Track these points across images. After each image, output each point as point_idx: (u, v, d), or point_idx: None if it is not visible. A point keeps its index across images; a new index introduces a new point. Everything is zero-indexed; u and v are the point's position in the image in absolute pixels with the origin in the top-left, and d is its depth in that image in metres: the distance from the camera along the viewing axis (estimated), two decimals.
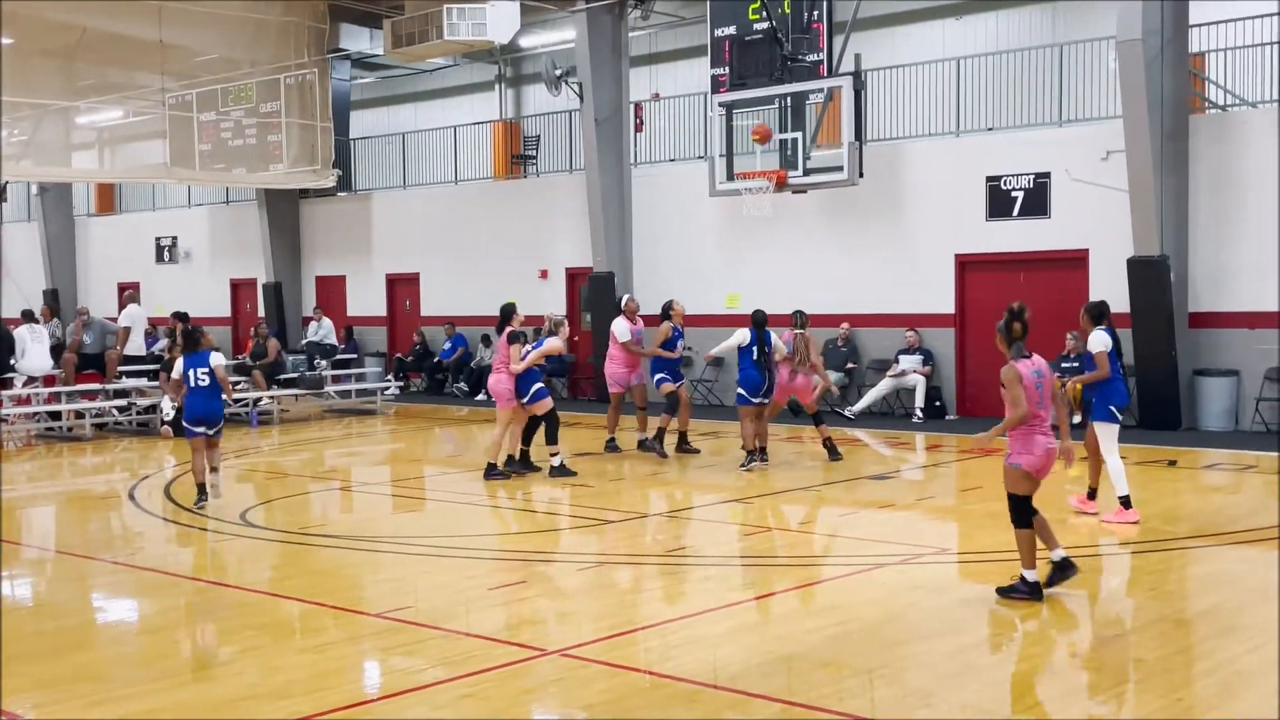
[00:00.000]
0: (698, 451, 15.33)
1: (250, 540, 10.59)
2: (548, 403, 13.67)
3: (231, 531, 10.93)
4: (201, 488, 11.75)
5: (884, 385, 18.82)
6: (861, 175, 17.02)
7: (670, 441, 15.30)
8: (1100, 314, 10.78)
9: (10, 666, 6.92)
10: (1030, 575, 7.91)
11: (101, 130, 26.37)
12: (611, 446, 15.52)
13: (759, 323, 13.94)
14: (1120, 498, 10.57)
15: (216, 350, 12.17)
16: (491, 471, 13.49)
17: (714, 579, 8.87)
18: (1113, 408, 10.61)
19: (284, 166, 24.35)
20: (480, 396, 23.03)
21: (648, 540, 10.61)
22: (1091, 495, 10.94)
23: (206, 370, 11.67)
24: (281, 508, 12.43)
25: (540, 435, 13.78)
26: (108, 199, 33.02)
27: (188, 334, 12.00)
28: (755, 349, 13.85)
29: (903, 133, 19.65)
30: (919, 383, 18.51)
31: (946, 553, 9.87)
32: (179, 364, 11.83)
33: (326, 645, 7.38)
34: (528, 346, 13.67)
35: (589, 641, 7.15)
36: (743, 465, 13.87)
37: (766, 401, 14.04)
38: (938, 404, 18.64)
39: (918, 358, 18.70)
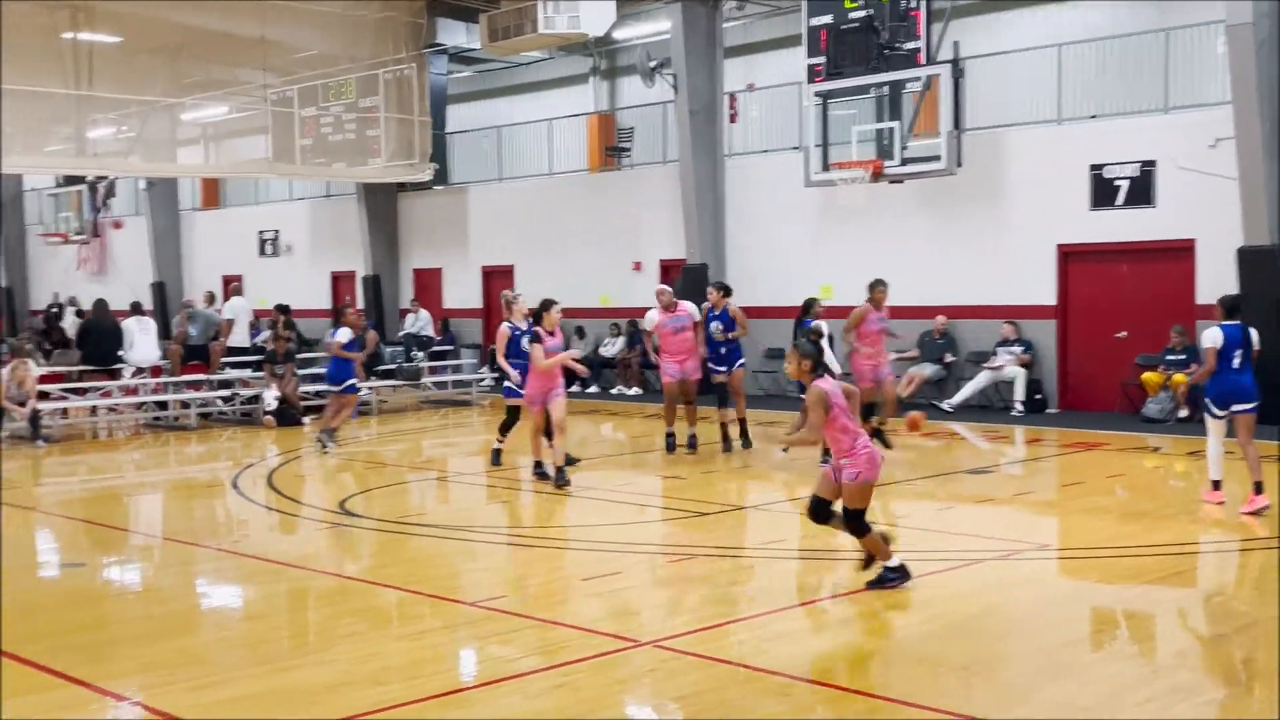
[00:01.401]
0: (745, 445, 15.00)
1: (349, 529, 10.78)
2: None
3: (331, 520, 11.14)
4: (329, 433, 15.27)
5: (982, 378, 18.56)
6: (960, 164, 16.79)
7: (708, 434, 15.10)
8: (1229, 308, 10.79)
9: (117, 649, 7.15)
10: (892, 563, 8.08)
11: (206, 126, 26.99)
12: (670, 443, 15.05)
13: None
14: (1213, 480, 10.97)
15: (345, 328, 16.18)
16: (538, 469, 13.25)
17: (807, 572, 8.83)
18: (1208, 400, 10.77)
19: (382, 161, 24.67)
20: (574, 388, 23.17)
21: (741, 533, 10.59)
22: (1258, 490, 10.67)
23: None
24: (379, 497, 12.63)
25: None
26: (212, 193, 33.78)
27: (336, 311, 14.70)
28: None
29: (1003, 121, 19.32)
30: (1018, 375, 18.22)
31: (1046, 548, 9.71)
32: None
33: (423, 633, 7.49)
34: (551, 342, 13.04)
35: (682, 633, 7.16)
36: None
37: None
38: (1038, 397, 18.33)
39: (1016, 350, 18.40)
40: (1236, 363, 10.57)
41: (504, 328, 13.64)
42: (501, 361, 13.65)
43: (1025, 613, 7.62)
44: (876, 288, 14.31)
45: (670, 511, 11.72)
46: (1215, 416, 10.76)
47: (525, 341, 12.96)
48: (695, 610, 7.89)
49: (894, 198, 19.24)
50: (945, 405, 18.42)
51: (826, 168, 17.75)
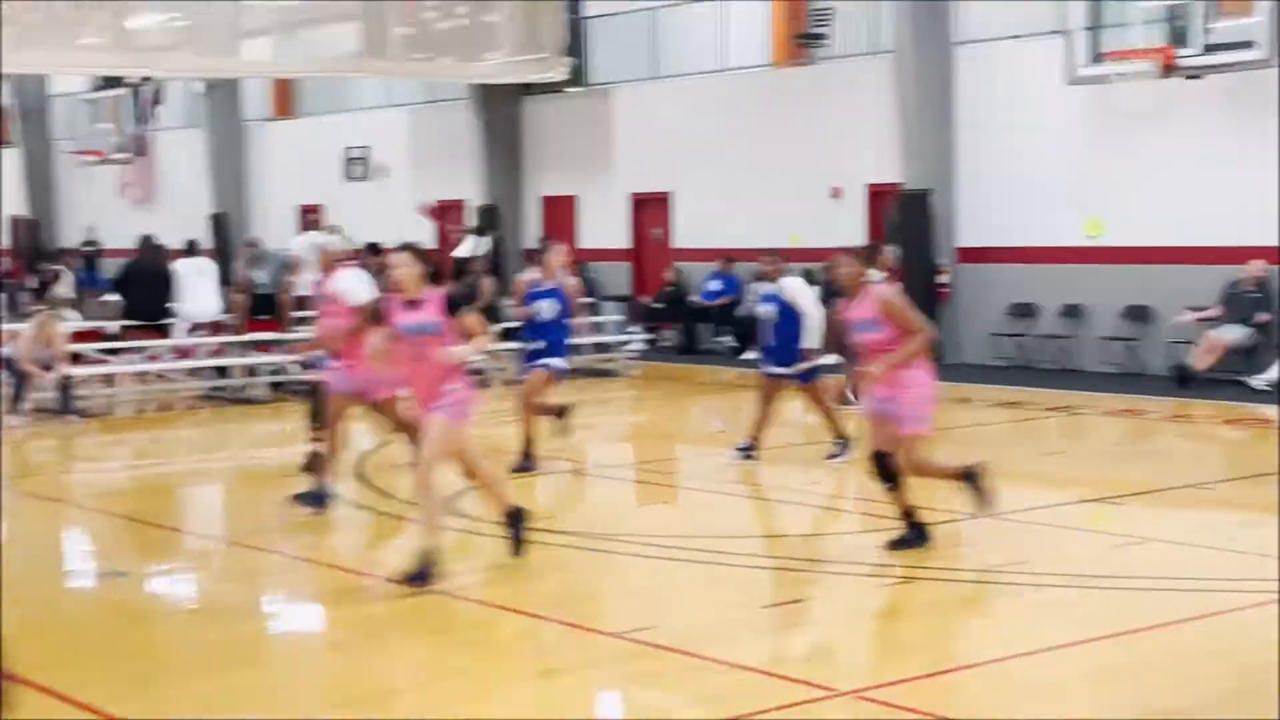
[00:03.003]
0: None
1: (460, 533, 10.95)
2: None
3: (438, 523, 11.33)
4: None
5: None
6: None
7: None
8: None
9: (166, 680, 7.41)
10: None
11: (277, 12, 27.53)
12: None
13: None
14: None
15: None
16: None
17: (1066, 604, 8.71)
18: None
19: (503, 55, 24.87)
20: (750, 354, 23.19)
21: (973, 550, 10.49)
22: None
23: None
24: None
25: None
26: (285, 99, 34.43)
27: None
28: None
29: None
30: None
31: None
32: None
33: (552, 672, 7.58)
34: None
35: (892, 682, 7.14)
36: None
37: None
38: None
39: None
40: None
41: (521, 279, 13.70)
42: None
43: None
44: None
45: (874, 519, 11.63)
46: None
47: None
48: (912, 652, 7.86)
49: (1192, 98, 18.80)
50: (1258, 382, 17.95)
51: (1098, 59, 17.42)
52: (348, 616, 8.83)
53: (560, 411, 13.54)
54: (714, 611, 8.58)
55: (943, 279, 21.80)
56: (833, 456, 13.43)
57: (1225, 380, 18.36)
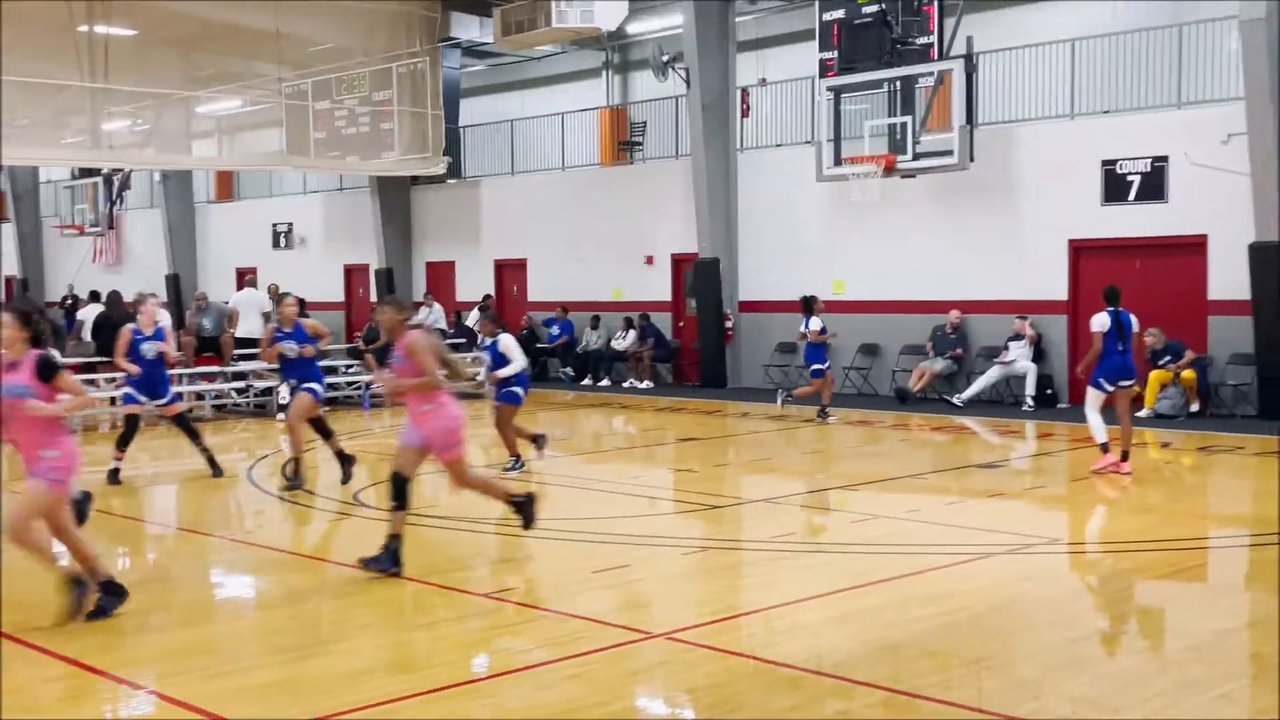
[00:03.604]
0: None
1: (362, 520, 10.81)
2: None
3: (345, 511, 11.17)
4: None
5: (993, 373, 18.53)
6: (972, 159, 16.78)
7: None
8: (1110, 297, 12.31)
9: (130, 638, 7.17)
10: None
11: (220, 119, 27.01)
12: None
13: None
14: (1100, 445, 12.25)
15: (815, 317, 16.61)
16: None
17: (819, 566, 8.84)
18: (1101, 379, 12.21)
19: (396, 154, 24.69)
20: (585, 381, 23.21)
21: (753, 525, 10.60)
22: (1124, 458, 12.18)
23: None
24: None
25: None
26: (226, 186, 33.80)
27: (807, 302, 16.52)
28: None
29: (1015, 116, 19.27)
30: (1029, 370, 18.19)
31: (1057, 543, 9.70)
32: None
33: (435, 624, 7.52)
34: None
35: (694, 625, 7.17)
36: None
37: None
38: (1049, 392, 18.30)
39: (1027, 345, 18.35)
40: (1121, 345, 12.12)
41: (126, 328, 12.80)
42: (120, 361, 12.63)
43: (1036, 607, 7.61)
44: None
45: (682, 504, 11.73)
46: (1105, 391, 12.22)
47: (146, 346, 12.52)
48: (707, 603, 7.91)
49: (906, 193, 19.21)
50: (956, 400, 18.40)
51: (839, 162, 17.75)
52: (275, 585, 8.66)
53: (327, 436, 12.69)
54: (558, 576, 8.58)
55: (729, 324, 22.06)
56: (509, 469, 12.94)
57: (933, 399, 18.83)
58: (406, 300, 10.46)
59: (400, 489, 8.52)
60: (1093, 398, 12.35)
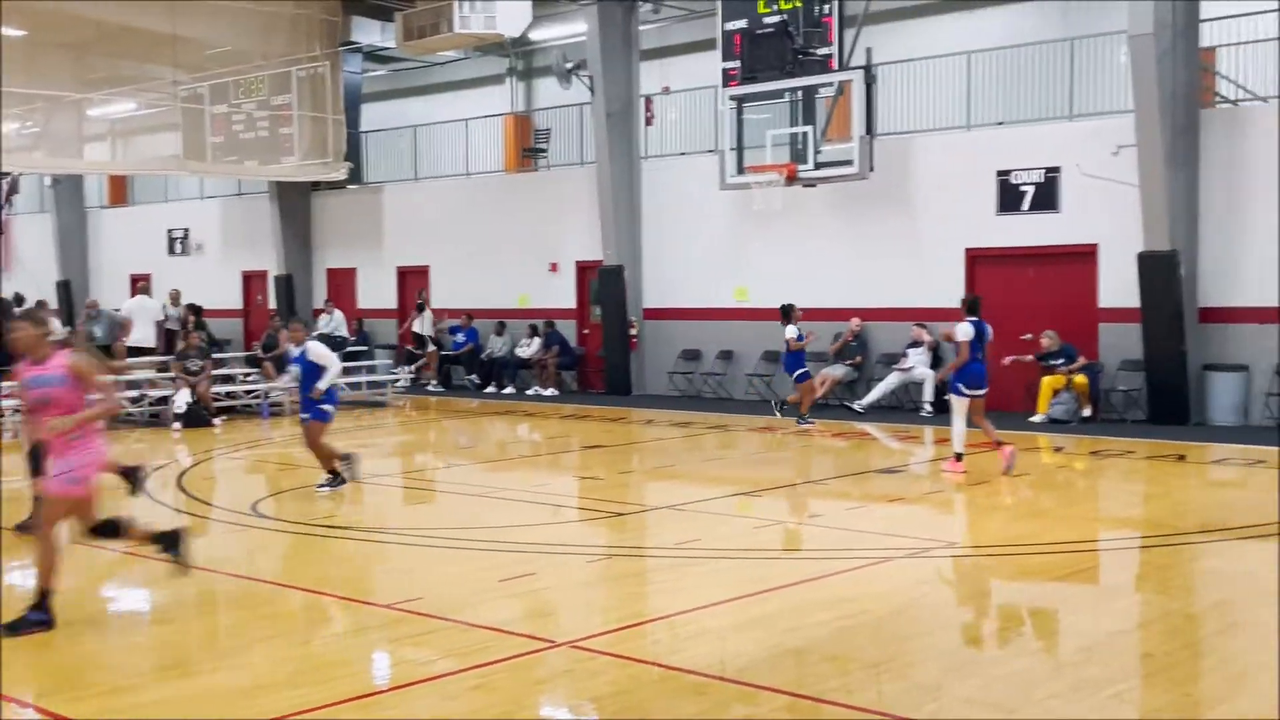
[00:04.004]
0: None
1: (261, 531, 10.62)
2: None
3: (242, 522, 10.97)
4: None
5: (892, 379, 18.79)
6: (872, 169, 17.01)
7: None
8: (970, 307, 12.92)
9: (20, 654, 6.95)
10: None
11: (114, 122, 26.37)
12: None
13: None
14: (956, 453, 12.90)
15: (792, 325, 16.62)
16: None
17: (723, 572, 8.88)
18: (961, 385, 12.75)
19: (295, 159, 24.35)
20: (490, 388, 23.07)
21: (657, 532, 10.62)
22: (999, 444, 12.77)
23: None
24: (292, 499, 12.45)
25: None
26: (120, 191, 33.05)
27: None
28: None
29: (913, 126, 19.60)
30: (927, 376, 18.48)
31: (954, 546, 9.86)
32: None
33: (336, 636, 7.41)
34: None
35: (598, 633, 7.16)
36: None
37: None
38: (947, 398, 18.53)
39: (926, 353, 18.64)
40: (981, 354, 12.70)
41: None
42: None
43: (934, 610, 7.73)
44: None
45: (587, 512, 11.71)
46: (967, 397, 12.74)
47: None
48: (612, 610, 7.90)
49: (808, 201, 19.43)
50: (856, 406, 18.62)
51: (741, 171, 17.88)
52: (171, 599, 8.46)
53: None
54: (463, 585, 8.50)
55: (633, 331, 22.09)
56: (322, 486, 12.25)
57: (835, 404, 19.03)
58: (44, 313, 8.45)
59: (111, 529, 7.71)
60: (958, 405, 12.87)
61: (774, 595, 7.97)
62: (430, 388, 23.60)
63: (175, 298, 23.95)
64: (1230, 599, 7.95)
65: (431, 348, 24.02)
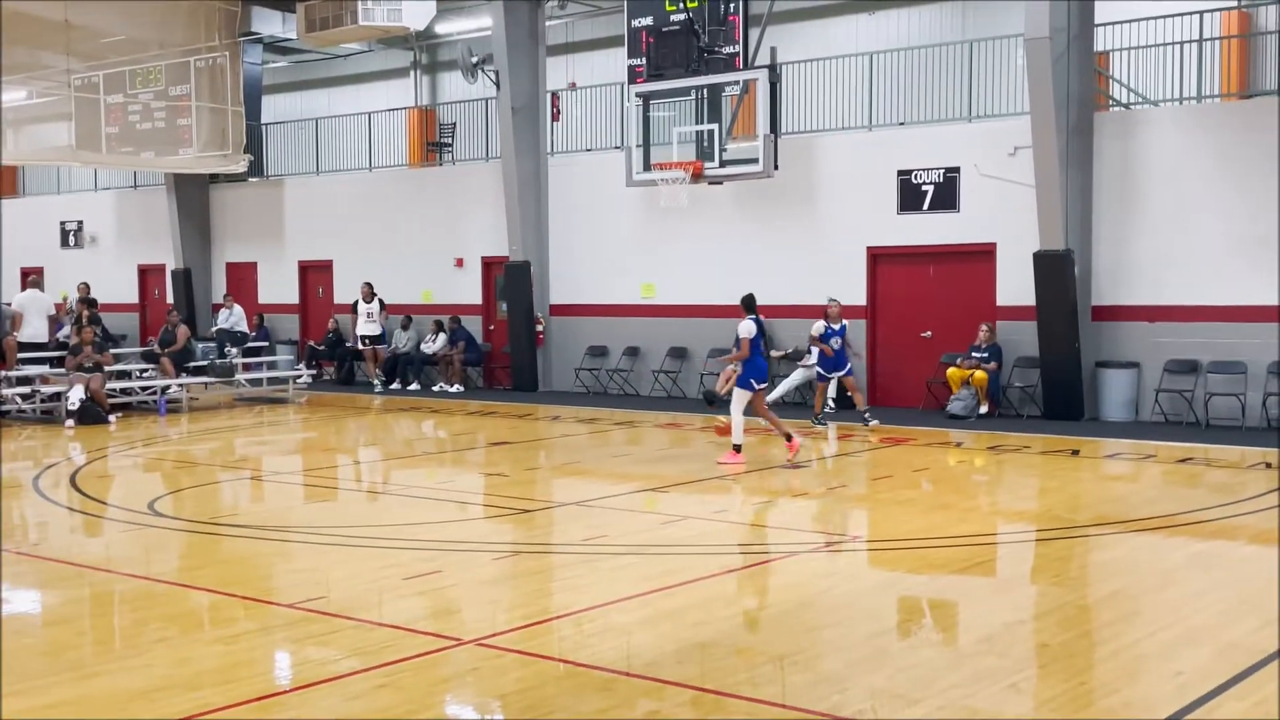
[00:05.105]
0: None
1: (158, 530, 10.39)
2: None
3: (139, 521, 10.71)
4: None
5: (796, 376, 18.92)
6: (776, 167, 17.10)
7: None
8: (748, 305, 13.65)
9: None
10: None
11: (4, 111, 25.60)
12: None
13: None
14: (735, 445, 13.46)
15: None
16: None
17: (629, 567, 8.89)
18: (752, 379, 13.30)
19: (194, 151, 23.89)
20: (395, 385, 22.84)
21: (564, 528, 10.59)
22: (789, 438, 13.48)
23: None
24: (190, 497, 12.21)
25: None
26: (11, 181, 32.14)
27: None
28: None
29: (817, 126, 19.81)
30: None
31: (858, 540, 9.99)
32: None
33: (237, 636, 7.26)
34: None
35: (504, 631, 7.12)
36: None
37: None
38: (849, 394, 18.81)
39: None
40: (764, 349, 13.52)
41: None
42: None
43: (839, 603, 7.81)
44: None
45: (492, 509, 11.65)
46: (754, 390, 13.30)
47: None
48: (518, 607, 7.86)
49: (714, 199, 19.53)
50: None
51: (648, 168, 17.87)
52: (64, 599, 8.24)
53: None
54: (367, 584, 8.40)
55: (540, 328, 22.01)
56: None
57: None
58: None
59: None
60: (741, 398, 13.38)
61: (680, 590, 7.99)
62: (328, 381, 23.24)
63: (83, 292, 23.31)
64: (1123, 589, 8.15)
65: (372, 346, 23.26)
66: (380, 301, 22.97)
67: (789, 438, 13.52)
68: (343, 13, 20.44)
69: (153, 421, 18.29)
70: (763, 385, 13.58)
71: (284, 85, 29.19)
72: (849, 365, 16.84)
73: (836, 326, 16.66)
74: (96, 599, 8.26)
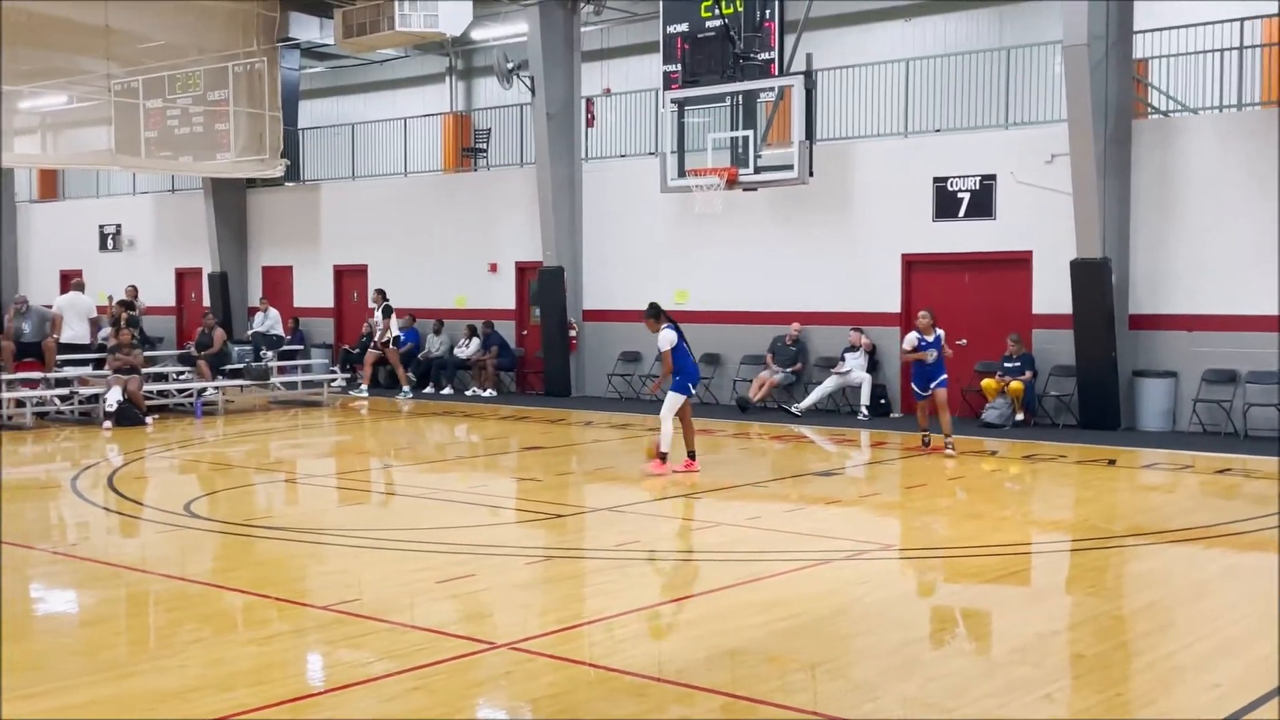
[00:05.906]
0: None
1: (193, 531, 10.48)
2: None
3: (175, 522, 10.81)
4: None
5: (829, 383, 18.91)
6: (811, 174, 17.10)
7: None
8: (655, 312, 13.45)
9: None
10: None
11: (45, 115, 25.98)
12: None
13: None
14: (662, 453, 13.25)
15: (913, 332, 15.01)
16: None
17: (662, 573, 8.89)
18: (690, 385, 13.33)
19: (231, 155, 24.07)
20: (428, 389, 22.92)
21: (597, 534, 10.61)
22: (691, 456, 13.38)
23: None
24: (225, 499, 12.31)
25: None
26: (50, 185, 32.48)
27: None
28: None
29: (852, 132, 19.77)
30: (864, 381, 18.63)
31: (890, 548, 9.95)
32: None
33: (271, 637, 7.32)
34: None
35: (537, 635, 7.14)
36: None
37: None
38: (883, 401, 18.78)
39: (863, 357, 18.80)
40: (692, 355, 13.40)
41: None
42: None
43: (871, 611, 7.79)
44: None
45: (525, 514, 11.68)
46: (689, 395, 13.30)
47: None
48: (551, 612, 7.88)
49: (748, 205, 19.51)
50: (794, 409, 18.73)
51: (682, 174, 17.91)
52: (101, 599, 8.33)
53: None
54: (400, 586, 8.44)
55: (573, 333, 22.06)
56: None
57: (773, 408, 19.14)
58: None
59: None
60: (674, 403, 13.25)
61: (712, 597, 7.99)
62: (364, 387, 23.32)
63: (130, 295, 23.56)
64: (1160, 600, 8.09)
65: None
66: (387, 307, 22.72)
67: (692, 456, 13.43)
68: (380, 18, 20.58)
69: (189, 423, 18.45)
70: (695, 388, 13.69)
71: (321, 90, 29.40)
72: (943, 376, 14.81)
73: (930, 338, 14.82)
74: (132, 599, 8.34)
